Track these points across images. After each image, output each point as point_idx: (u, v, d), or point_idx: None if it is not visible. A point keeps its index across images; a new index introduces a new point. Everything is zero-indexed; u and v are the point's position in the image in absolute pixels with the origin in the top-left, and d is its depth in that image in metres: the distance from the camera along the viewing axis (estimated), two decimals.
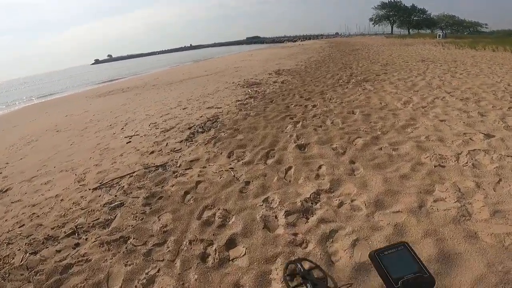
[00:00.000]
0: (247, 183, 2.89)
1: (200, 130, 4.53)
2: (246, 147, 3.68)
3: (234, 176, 3.07)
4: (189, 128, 4.69)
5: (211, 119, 5.00)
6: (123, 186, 3.23)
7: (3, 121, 10.42)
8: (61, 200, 3.19)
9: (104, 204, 2.88)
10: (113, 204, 2.84)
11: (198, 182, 3.03)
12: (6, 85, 50.42)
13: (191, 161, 3.56)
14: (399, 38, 32.07)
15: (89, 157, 4.37)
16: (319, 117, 4.42)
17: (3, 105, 16.33)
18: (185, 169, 3.41)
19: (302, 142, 3.53)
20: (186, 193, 2.87)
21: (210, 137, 4.15)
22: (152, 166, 3.61)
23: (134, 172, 3.52)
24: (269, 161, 3.26)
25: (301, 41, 56.41)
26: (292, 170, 3.00)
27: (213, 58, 31.89)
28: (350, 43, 30.24)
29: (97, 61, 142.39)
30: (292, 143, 3.54)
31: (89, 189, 3.34)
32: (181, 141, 4.18)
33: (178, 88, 10.22)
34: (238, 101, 6.27)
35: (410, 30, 53.87)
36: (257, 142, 3.74)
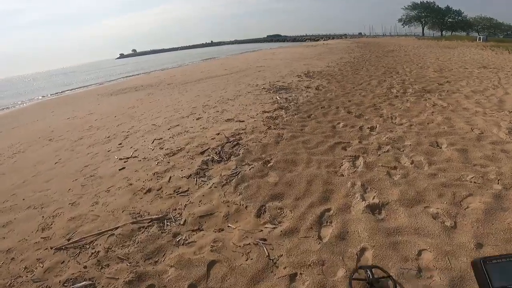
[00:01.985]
0: (293, 276, 1.70)
1: (216, 157, 3.32)
2: (283, 197, 2.42)
3: (268, 257, 1.87)
4: (202, 153, 3.48)
5: (230, 139, 3.77)
6: (99, 252, 2.23)
7: (7, 120, 9.74)
8: (12, 259, 2.29)
9: (65, 281, 1.92)
10: (78, 285, 1.89)
11: (211, 264, 1.89)
12: (29, 78, 51.78)
13: (201, 216, 2.37)
14: (434, 40, 29.57)
15: (68, 188, 3.28)
16: (387, 150, 3.04)
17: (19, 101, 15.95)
18: (192, 231, 2.25)
19: (375, 200, 2.21)
20: (192, 287, 1.72)
21: (230, 172, 2.92)
22: (145, 219, 2.45)
23: (117, 228, 2.40)
24: (325, 233, 1.99)
25: (324, 40, 53.98)
26: (369, 255, 1.74)
27: (233, 56, 30.73)
28: (380, 43, 28.11)
29: (122, 55, 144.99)
30: (359, 200, 2.23)
31: (51, 248, 2.33)
32: (190, 176, 2.98)
33: (194, 89, 9.10)
34: (265, 112, 5.01)
35: (443, 32, 50.29)
36: (299, 191, 2.46)
